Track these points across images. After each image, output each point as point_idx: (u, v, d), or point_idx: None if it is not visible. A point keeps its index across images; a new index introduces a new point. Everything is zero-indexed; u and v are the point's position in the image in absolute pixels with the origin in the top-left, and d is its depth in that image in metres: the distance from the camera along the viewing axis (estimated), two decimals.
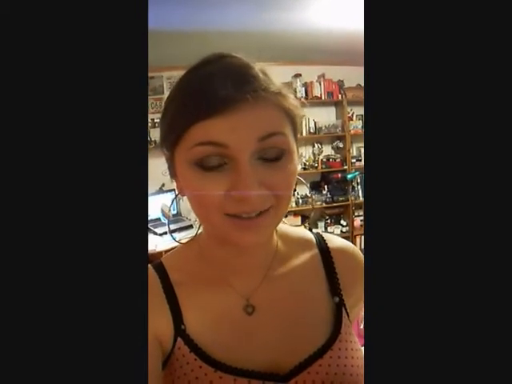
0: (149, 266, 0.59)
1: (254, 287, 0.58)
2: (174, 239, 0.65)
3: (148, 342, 0.51)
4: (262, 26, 2.53)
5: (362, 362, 0.57)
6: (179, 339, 0.55)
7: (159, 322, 0.54)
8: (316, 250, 0.64)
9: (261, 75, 0.47)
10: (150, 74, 3.48)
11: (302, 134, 3.64)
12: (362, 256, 0.65)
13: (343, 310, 0.60)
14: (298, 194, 3.90)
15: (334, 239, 0.67)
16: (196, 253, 0.60)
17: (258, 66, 0.48)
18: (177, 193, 0.56)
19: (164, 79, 3.54)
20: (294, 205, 3.81)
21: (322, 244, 0.65)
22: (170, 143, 0.49)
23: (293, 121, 0.50)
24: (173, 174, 0.54)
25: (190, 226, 3.25)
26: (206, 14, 2.37)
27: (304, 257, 0.63)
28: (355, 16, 2.45)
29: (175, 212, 3.51)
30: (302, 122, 0.52)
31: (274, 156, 0.47)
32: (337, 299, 0.60)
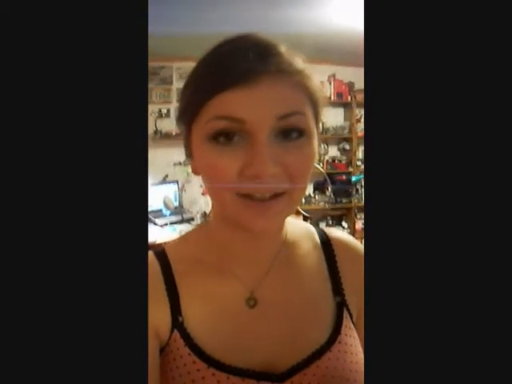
0: (150, 252, 0.58)
1: (260, 278, 0.56)
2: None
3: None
4: (275, 23, 2.51)
5: (361, 366, 0.55)
6: (175, 331, 0.53)
7: (157, 312, 0.53)
8: (318, 241, 0.62)
9: (285, 52, 0.46)
10: (160, 64, 3.47)
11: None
12: (361, 246, 0.64)
13: (344, 310, 0.59)
14: None
15: (333, 230, 0.66)
16: (202, 241, 0.59)
17: (282, 45, 0.48)
18: (190, 171, 0.54)
19: (174, 69, 3.53)
20: None
21: (322, 235, 0.63)
22: (188, 118, 0.48)
23: (314, 103, 0.48)
24: (188, 153, 0.52)
25: (192, 219, 3.25)
26: (218, 11, 2.36)
27: (308, 247, 0.61)
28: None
29: (177, 204, 3.51)
30: (324, 107, 0.51)
31: (292, 136, 0.45)
32: (338, 299, 0.59)
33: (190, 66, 0.51)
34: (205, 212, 3.45)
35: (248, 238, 0.55)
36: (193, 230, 0.63)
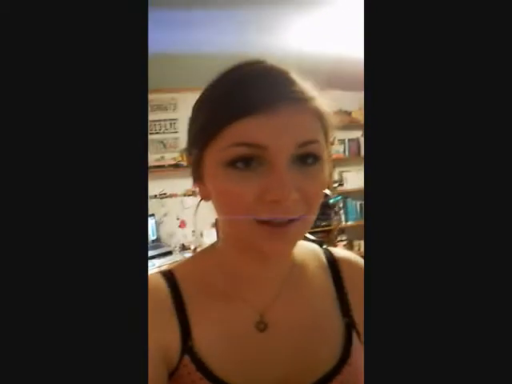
0: (158, 274, 0.56)
1: (269, 301, 0.56)
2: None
3: (153, 357, 0.49)
4: (249, 48, 2.53)
5: None
6: (186, 356, 0.52)
7: (166, 336, 0.52)
8: (324, 261, 0.62)
9: (297, 80, 0.47)
10: None
11: None
12: None
13: (353, 330, 0.58)
14: None
15: (339, 250, 0.65)
16: (212, 263, 0.57)
17: (292, 72, 0.48)
18: (200, 198, 0.54)
19: (152, 101, 3.49)
20: None
21: (328, 255, 0.63)
22: (202, 143, 0.48)
23: (325, 129, 0.49)
24: (198, 177, 0.52)
25: (170, 253, 3.17)
26: (196, 37, 2.35)
27: (315, 268, 0.61)
28: (340, 40, 2.47)
29: (155, 237, 3.42)
30: (333, 132, 0.52)
31: (308, 162, 0.46)
32: (347, 319, 0.58)
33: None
34: (183, 244, 3.38)
35: (257, 261, 0.54)
36: (199, 253, 0.61)
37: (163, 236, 3.49)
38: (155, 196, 3.48)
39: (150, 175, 3.36)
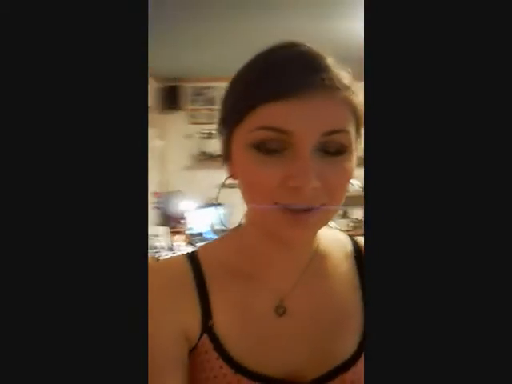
0: (182, 256, 0.58)
1: (290, 287, 0.56)
2: None
3: (175, 335, 0.52)
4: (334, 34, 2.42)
5: None
6: (205, 335, 0.54)
7: (187, 316, 0.54)
8: (350, 251, 0.62)
9: (333, 66, 0.47)
10: (204, 85, 3.45)
11: None
12: None
13: None
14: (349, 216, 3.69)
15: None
16: (235, 246, 0.59)
17: (329, 58, 0.47)
18: (228, 176, 0.55)
19: (220, 90, 3.49)
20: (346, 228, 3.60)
21: (354, 245, 0.63)
22: (232, 123, 0.49)
23: (358, 119, 0.48)
24: (227, 157, 0.53)
25: None
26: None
27: (340, 258, 0.61)
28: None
29: (224, 227, 3.40)
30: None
31: (333, 152, 0.46)
32: None
33: None
34: None
35: (280, 246, 0.55)
36: (225, 235, 0.62)
37: (230, 225, 3.47)
38: (225, 185, 3.47)
39: (216, 164, 3.35)
